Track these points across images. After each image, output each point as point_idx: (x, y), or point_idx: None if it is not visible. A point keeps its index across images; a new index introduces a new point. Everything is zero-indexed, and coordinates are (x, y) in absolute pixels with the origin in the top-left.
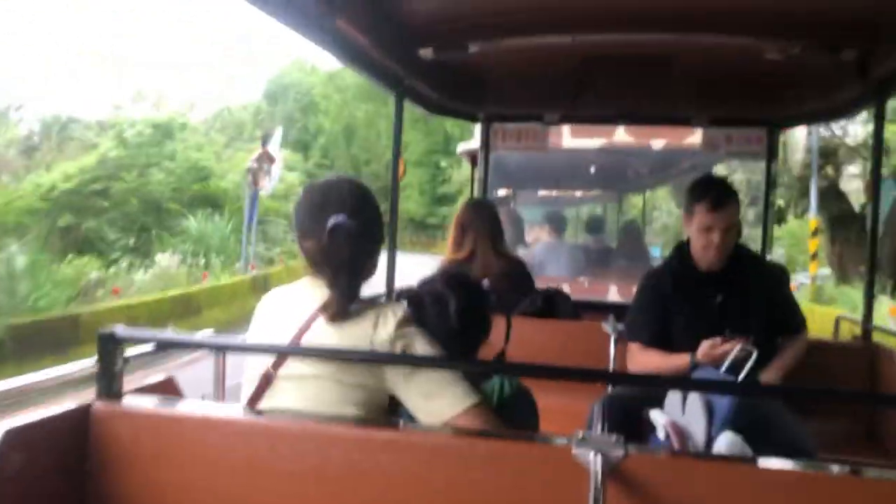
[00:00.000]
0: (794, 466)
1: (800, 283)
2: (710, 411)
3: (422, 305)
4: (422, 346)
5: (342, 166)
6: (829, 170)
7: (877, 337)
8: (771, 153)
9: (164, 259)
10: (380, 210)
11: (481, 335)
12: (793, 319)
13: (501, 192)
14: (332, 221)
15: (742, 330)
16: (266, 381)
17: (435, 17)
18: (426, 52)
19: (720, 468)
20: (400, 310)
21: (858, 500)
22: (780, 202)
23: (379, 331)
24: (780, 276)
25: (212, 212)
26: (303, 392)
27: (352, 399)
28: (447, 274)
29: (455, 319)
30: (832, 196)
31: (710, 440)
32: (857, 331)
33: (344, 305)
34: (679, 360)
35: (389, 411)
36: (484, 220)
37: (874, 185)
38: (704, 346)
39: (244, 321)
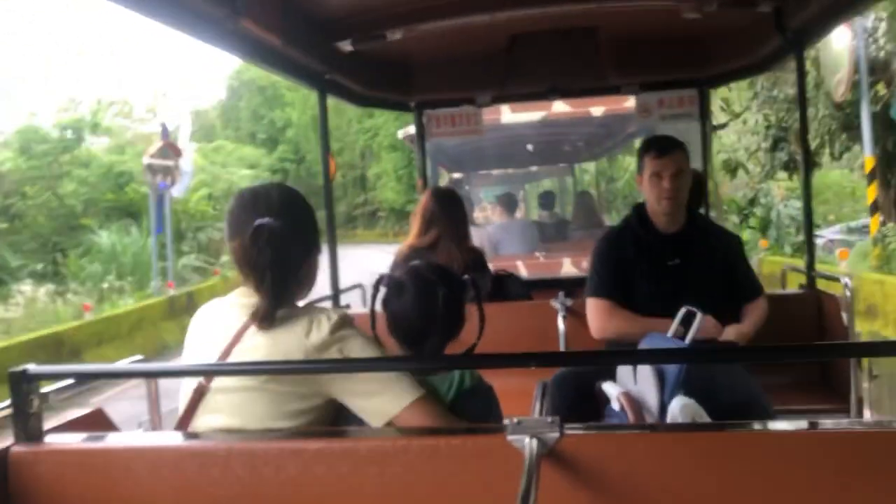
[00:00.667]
0: (740, 429)
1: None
2: (660, 378)
3: (402, 290)
4: (359, 346)
5: (314, 159)
6: (881, 89)
7: (821, 284)
8: (703, 113)
9: (30, 290)
10: (312, 215)
11: (459, 327)
12: (751, 285)
13: (455, 176)
14: (256, 223)
15: (699, 294)
16: (198, 396)
17: (349, 7)
18: (344, 45)
19: (662, 438)
20: (335, 313)
21: (816, 455)
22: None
23: (312, 336)
24: (737, 241)
25: (132, 222)
26: (236, 405)
27: (288, 408)
28: (429, 263)
29: (442, 306)
30: (886, 124)
31: (663, 407)
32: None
33: (270, 310)
34: (660, 328)
35: (338, 418)
36: (450, 213)
37: (802, 132)
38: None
39: (152, 353)
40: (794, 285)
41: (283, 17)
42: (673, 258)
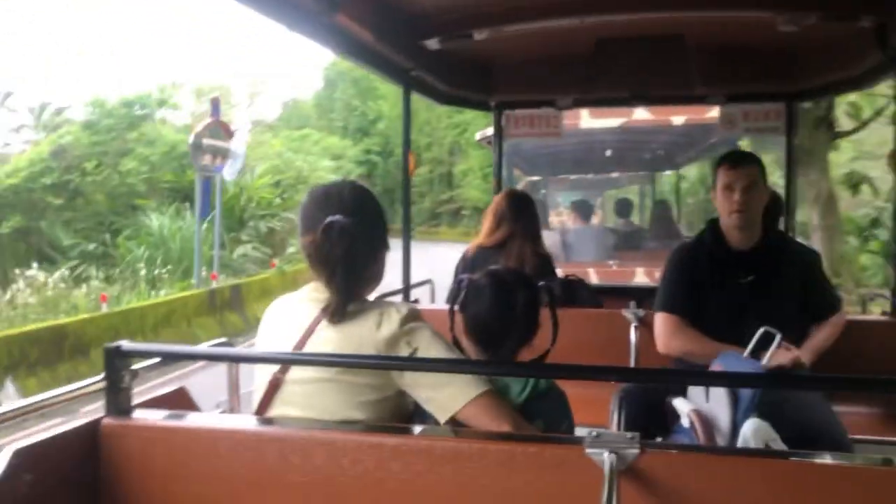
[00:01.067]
0: (816, 459)
1: None
2: (734, 397)
3: (482, 292)
4: (427, 339)
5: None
6: None
7: None
8: (790, 128)
9: (41, 275)
10: (382, 214)
11: (534, 332)
12: (827, 301)
13: (532, 179)
14: (328, 220)
15: (772, 312)
16: (274, 387)
17: (439, 5)
18: (432, 43)
19: (737, 462)
20: (405, 307)
21: (888, 492)
22: None
23: (382, 329)
24: (813, 257)
25: (188, 206)
26: (311, 396)
27: (360, 399)
28: (508, 268)
29: (520, 310)
30: None
31: (735, 428)
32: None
33: (341, 305)
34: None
35: (414, 413)
36: (522, 215)
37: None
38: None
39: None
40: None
41: (375, 13)
42: (746, 276)
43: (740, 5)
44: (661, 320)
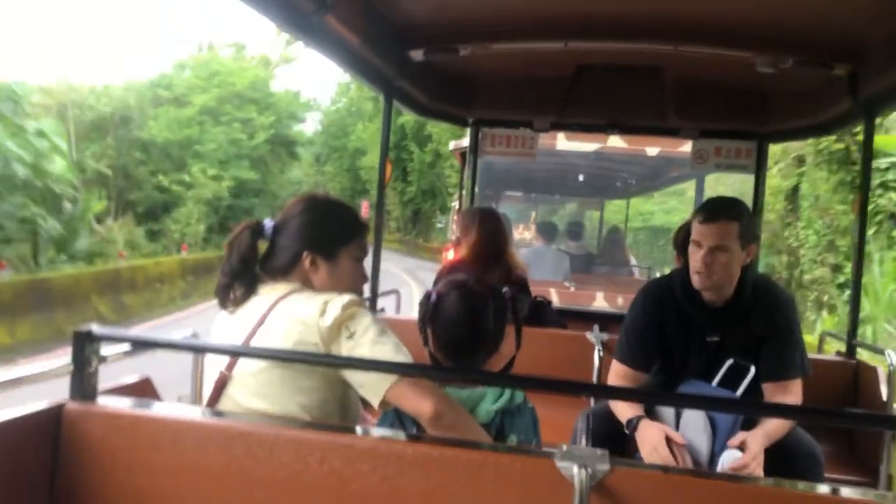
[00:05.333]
0: (787, 486)
1: None
2: (712, 426)
3: (451, 304)
4: (365, 325)
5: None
6: None
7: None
8: (760, 167)
9: None
10: (335, 219)
11: (500, 341)
12: (785, 364)
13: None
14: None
15: (736, 374)
16: (225, 377)
17: (427, 18)
18: (417, 54)
19: (712, 486)
20: (349, 297)
21: None
22: None
23: (326, 315)
24: (785, 312)
25: None
26: (261, 383)
27: (305, 384)
28: (476, 278)
29: (491, 322)
30: None
31: (713, 457)
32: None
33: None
34: (630, 413)
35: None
36: (493, 231)
37: (862, 201)
38: (649, 450)
39: None
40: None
41: (364, 18)
42: (713, 334)
43: (721, 43)
44: (612, 368)
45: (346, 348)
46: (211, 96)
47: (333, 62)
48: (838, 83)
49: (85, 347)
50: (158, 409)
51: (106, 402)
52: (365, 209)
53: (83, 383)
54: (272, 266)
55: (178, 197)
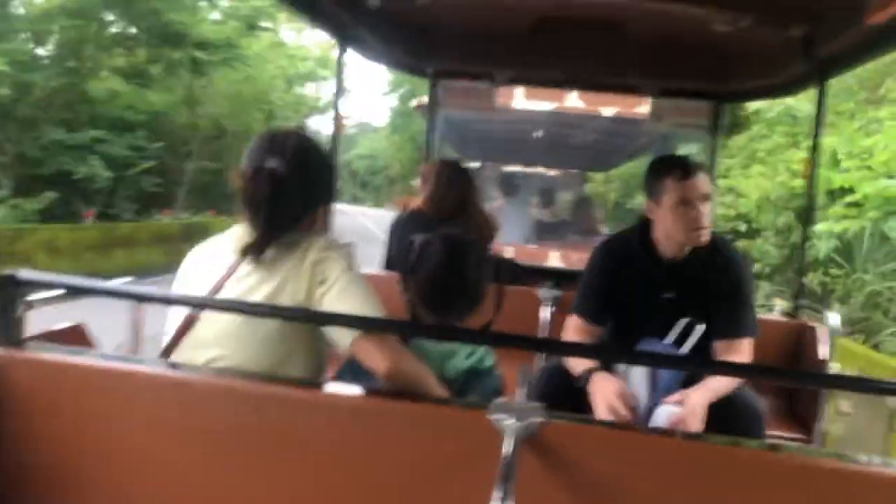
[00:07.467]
0: (714, 442)
1: None
2: (653, 381)
3: (435, 254)
4: (340, 265)
5: None
6: None
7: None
8: (716, 127)
9: None
10: (327, 168)
11: (482, 299)
12: (738, 323)
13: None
14: (261, 164)
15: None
16: (186, 327)
17: None
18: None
19: (644, 441)
20: (331, 238)
21: (772, 477)
22: None
23: (308, 255)
24: (739, 272)
25: None
26: (225, 334)
27: (277, 331)
28: (459, 230)
29: (473, 273)
30: None
31: (651, 410)
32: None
33: (259, 242)
34: (584, 367)
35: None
36: (465, 185)
37: (812, 165)
38: (604, 406)
39: None
40: None
41: None
42: (669, 290)
43: None
44: (568, 321)
45: (318, 294)
46: None
47: (284, 6)
48: (794, 45)
49: (10, 291)
50: (89, 358)
51: (34, 349)
52: None
53: (8, 329)
54: None
55: None
